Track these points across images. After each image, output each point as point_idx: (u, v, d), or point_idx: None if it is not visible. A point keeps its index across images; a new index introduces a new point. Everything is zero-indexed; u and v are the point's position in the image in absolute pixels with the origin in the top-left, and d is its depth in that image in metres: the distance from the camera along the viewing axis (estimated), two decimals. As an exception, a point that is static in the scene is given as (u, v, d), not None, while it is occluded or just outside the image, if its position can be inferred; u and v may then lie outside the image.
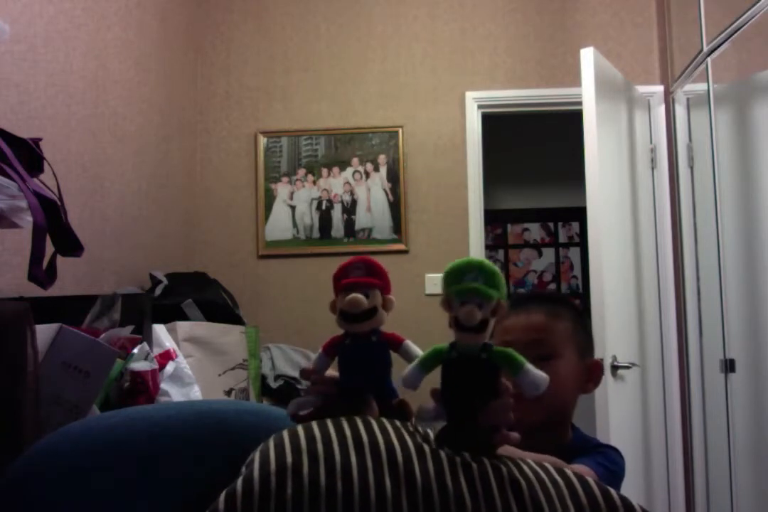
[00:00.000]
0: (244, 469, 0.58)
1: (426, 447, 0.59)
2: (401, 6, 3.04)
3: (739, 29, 2.09)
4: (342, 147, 2.99)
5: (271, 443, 0.60)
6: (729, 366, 2.31)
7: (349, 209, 2.96)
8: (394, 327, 0.68)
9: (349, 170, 2.98)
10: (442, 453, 0.58)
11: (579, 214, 4.15)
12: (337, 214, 2.97)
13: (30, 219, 1.04)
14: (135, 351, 1.38)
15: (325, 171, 2.99)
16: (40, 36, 1.75)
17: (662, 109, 2.87)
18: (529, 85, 2.98)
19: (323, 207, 2.97)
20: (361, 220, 2.95)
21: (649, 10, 2.98)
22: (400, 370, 0.70)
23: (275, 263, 2.98)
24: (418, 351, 0.67)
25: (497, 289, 0.59)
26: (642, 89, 2.85)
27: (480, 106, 2.98)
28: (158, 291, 2.17)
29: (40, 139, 1.22)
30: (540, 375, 0.58)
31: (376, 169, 2.97)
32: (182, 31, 2.89)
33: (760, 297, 2.47)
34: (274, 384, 2.39)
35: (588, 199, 2.27)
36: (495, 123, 3.34)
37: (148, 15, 2.49)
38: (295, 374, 2.44)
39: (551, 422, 0.96)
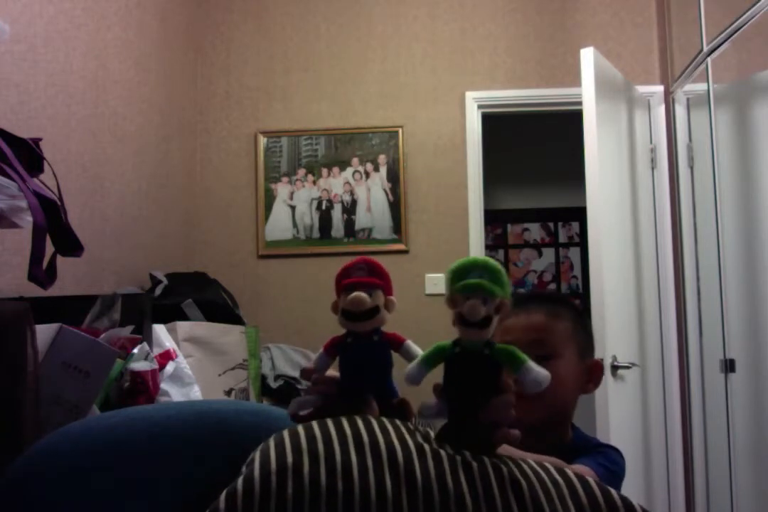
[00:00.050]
0: (244, 469, 0.58)
1: (426, 447, 0.59)
2: (401, 6, 3.04)
3: (739, 29, 2.09)
4: (342, 147, 2.99)
5: (272, 442, 0.60)
6: (729, 366, 2.31)
7: (349, 209, 2.96)
8: (395, 327, 0.68)
9: (349, 170, 2.98)
10: (443, 453, 0.58)
11: (579, 214, 4.15)
12: (337, 214, 2.97)
13: (30, 219, 1.04)
14: (135, 351, 1.38)
15: (325, 171, 2.99)
16: (40, 36, 1.75)
17: (662, 109, 2.87)
18: (529, 85, 2.98)
19: (323, 207, 2.97)
20: (361, 220, 2.95)
21: (649, 10, 2.98)
22: (401, 370, 0.70)
23: (275, 263, 2.98)
24: (419, 352, 0.67)
25: (501, 287, 0.59)
26: (642, 89, 2.85)
27: (480, 106, 2.98)
28: (158, 291, 2.17)
29: (40, 139, 1.22)
30: (542, 372, 0.58)
31: (376, 169, 2.97)
32: (182, 31, 2.89)
33: (760, 297, 2.47)
34: (274, 384, 2.39)
35: (588, 199, 2.27)
36: (495, 123, 3.34)
37: (148, 15, 2.49)
38: (295, 374, 2.44)
39: (551, 422, 0.96)
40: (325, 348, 0.69)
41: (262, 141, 3.02)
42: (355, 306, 0.64)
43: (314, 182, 2.99)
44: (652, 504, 2.52)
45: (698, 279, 2.66)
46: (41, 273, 1.05)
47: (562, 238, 4.40)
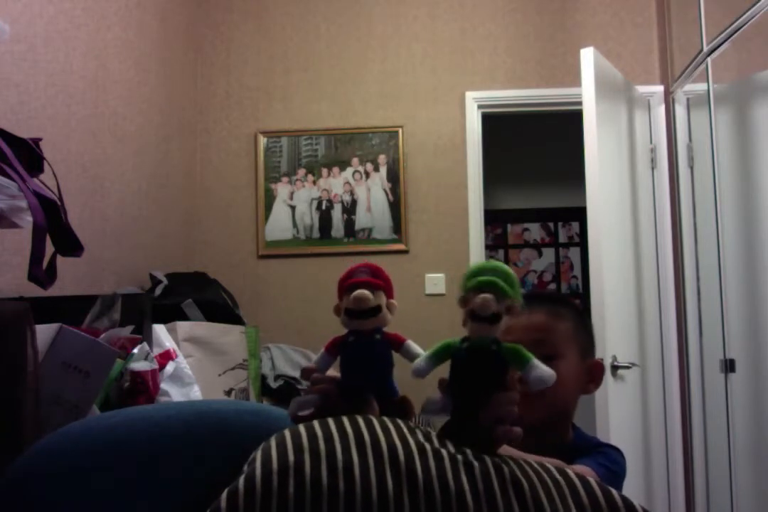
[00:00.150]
0: (246, 468, 0.58)
1: (428, 446, 0.59)
2: (401, 6, 3.04)
3: (739, 29, 2.09)
4: (342, 147, 2.99)
5: (273, 442, 0.60)
6: (729, 366, 2.31)
7: (349, 209, 2.96)
8: (395, 327, 0.68)
9: (349, 170, 2.98)
10: (444, 452, 0.58)
11: (579, 214, 4.15)
12: (337, 214, 2.97)
13: (30, 219, 1.04)
14: (135, 351, 1.38)
15: (325, 171, 2.99)
16: (40, 36, 1.75)
17: (662, 109, 2.87)
18: (529, 85, 2.98)
19: (323, 207, 2.97)
20: (361, 220, 2.95)
21: (649, 10, 2.98)
22: (402, 370, 0.70)
23: (275, 263, 2.98)
24: (420, 351, 0.67)
25: (514, 288, 0.61)
26: (642, 89, 2.85)
27: (480, 106, 2.98)
28: (158, 291, 2.17)
29: (40, 139, 1.22)
30: (546, 370, 0.59)
31: (376, 169, 2.97)
32: (182, 31, 2.89)
33: (760, 297, 2.47)
34: (274, 384, 2.39)
35: (588, 199, 2.27)
36: (495, 123, 3.34)
37: (148, 15, 2.49)
38: (295, 374, 2.44)
39: (552, 422, 0.96)
40: (327, 348, 0.69)
41: (262, 141, 3.01)
42: (359, 303, 0.65)
43: (314, 182, 2.99)
44: (652, 504, 2.52)
45: (698, 279, 2.66)
46: (41, 273, 1.05)
47: (562, 238, 4.40)
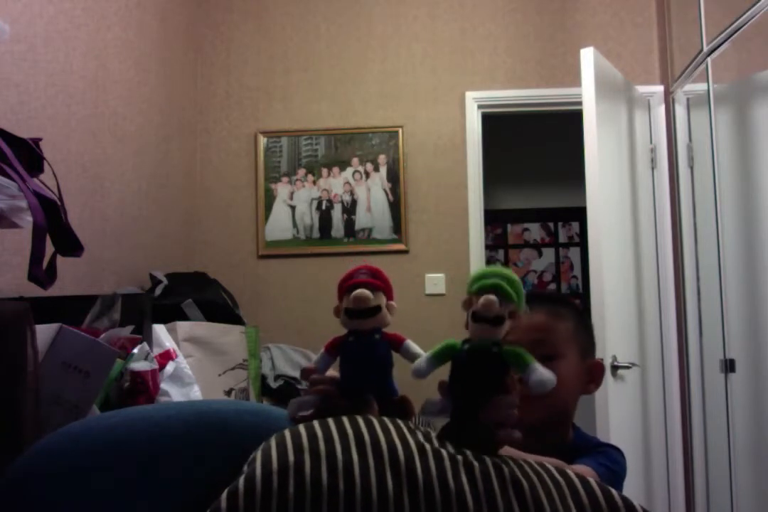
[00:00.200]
0: (246, 468, 0.58)
1: (428, 446, 0.59)
2: (401, 6, 3.04)
3: (739, 29, 2.09)
4: (342, 147, 2.99)
5: (273, 442, 0.60)
6: (729, 366, 2.31)
7: (349, 209, 2.96)
8: (395, 327, 0.68)
9: (349, 170, 2.98)
10: (444, 453, 0.58)
11: (579, 214, 4.15)
12: (337, 214, 2.97)
13: (30, 219, 1.04)
14: (135, 351, 1.38)
15: (325, 171, 2.99)
16: (40, 36, 1.75)
17: (662, 109, 2.87)
18: (529, 85, 2.98)
19: (323, 207, 2.97)
20: (361, 220, 2.95)
21: (649, 10, 2.98)
22: (402, 371, 0.70)
23: (275, 263, 2.98)
24: (419, 351, 0.67)
25: (518, 295, 0.61)
26: (642, 89, 2.85)
27: (480, 106, 2.98)
28: (158, 291, 2.17)
29: (40, 139, 1.22)
30: (546, 373, 0.59)
31: (376, 169, 2.97)
32: (182, 31, 2.89)
33: (760, 297, 2.47)
34: (274, 384, 2.39)
35: (588, 199, 2.27)
36: (495, 123, 3.34)
37: (148, 15, 2.49)
38: (295, 374, 2.44)
39: (552, 422, 0.96)
40: (326, 348, 0.70)
41: (262, 141, 3.01)
42: (358, 303, 0.66)
43: (314, 182, 2.99)
44: (652, 504, 2.51)
45: (698, 279, 2.66)
46: (41, 273, 1.05)
47: (562, 238, 4.40)
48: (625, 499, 0.57)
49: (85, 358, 1.24)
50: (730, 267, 2.45)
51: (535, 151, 4.28)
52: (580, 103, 2.31)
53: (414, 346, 0.68)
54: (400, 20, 3.04)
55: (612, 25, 2.98)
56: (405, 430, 0.61)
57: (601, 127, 2.30)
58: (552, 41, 2.99)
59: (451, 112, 2.99)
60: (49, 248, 1.08)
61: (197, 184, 3.03)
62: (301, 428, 0.61)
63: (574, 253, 4.37)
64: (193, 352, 1.87)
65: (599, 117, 2.28)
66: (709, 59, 2.31)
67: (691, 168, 2.74)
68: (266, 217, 2.98)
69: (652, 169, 2.83)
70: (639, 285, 2.61)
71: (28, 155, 1.15)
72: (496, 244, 4.42)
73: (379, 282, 0.68)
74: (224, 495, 0.55)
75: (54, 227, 1.08)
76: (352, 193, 2.97)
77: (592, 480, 0.59)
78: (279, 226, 2.97)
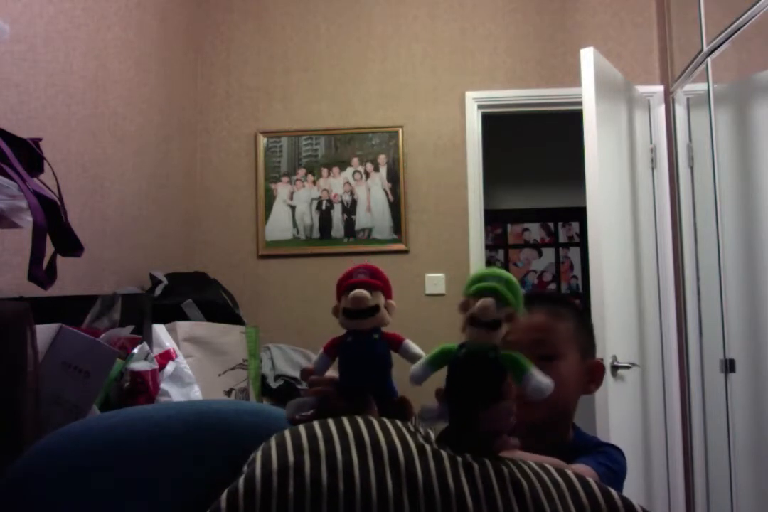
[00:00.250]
0: (246, 468, 0.58)
1: (428, 447, 0.59)
2: (401, 6, 3.04)
3: (739, 29, 2.08)
4: (342, 147, 2.99)
5: (273, 442, 0.60)
6: (729, 366, 2.31)
7: (349, 209, 2.96)
8: (394, 327, 0.68)
9: (349, 170, 2.98)
10: (444, 453, 0.58)
11: (579, 214, 4.15)
12: (337, 214, 2.97)
13: (30, 219, 1.04)
14: (135, 351, 1.38)
15: (325, 171, 2.99)
16: (40, 36, 1.75)
17: (662, 109, 2.87)
18: (529, 85, 2.98)
19: (323, 207, 2.97)
20: (361, 220, 2.95)
21: (649, 10, 2.98)
22: (401, 371, 0.70)
23: (275, 263, 2.98)
24: (419, 351, 0.67)
25: (515, 298, 0.60)
26: (642, 89, 2.85)
27: (480, 106, 2.98)
28: (158, 291, 2.17)
29: (40, 139, 1.22)
30: (544, 380, 0.58)
31: (376, 169, 2.97)
32: (182, 31, 2.89)
33: (760, 297, 2.47)
34: (274, 384, 2.39)
35: (588, 199, 2.27)
36: (495, 123, 3.34)
37: (148, 15, 2.49)
38: (295, 374, 2.44)
39: (552, 422, 0.96)
40: (325, 349, 0.70)
41: (262, 141, 3.02)
42: (356, 303, 0.65)
43: (314, 182, 2.99)
44: (652, 504, 2.51)
45: (698, 279, 2.66)
46: (41, 273, 1.05)
47: (562, 238, 4.40)
48: (624, 499, 0.57)
49: (85, 358, 1.24)
50: (730, 267, 2.45)
51: (535, 151, 4.28)
52: (580, 103, 2.31)
53: (413, 346, 0.68)
54: (400, 20, 3.04)
55: (612, 25, 2.98)
56: (405, 431, 0.61)
57: (601, 127, 2.30)
58: (552, 41, 2.99)
59: (451, 112, 2.99)
60: (49, 248, 1.08)
61: (197, 184, 3.03)
62: (301, 428, 0.61)
63: (574, 253, 4.37)
64: (193, 352, 1.87)
65: (599, 117, 2.28)
66: (709, 59, 2.31)
67: (691, 168, 2.74)
68: (266, 217, 2.98)
69: (652, 169, 2.83)
70: (639, 285, 2.61)
71: (28, 155, 1.15)
72: (496, 244, 4.42)
73: (377, 282, 0.68)
74: (224, 495, 0.55)
75: (54, 227, 1.08)
76: (352, 193, 2.97)
77: (591, 481, 0.59)
78: (279, 226, 2.97)
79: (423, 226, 2.94)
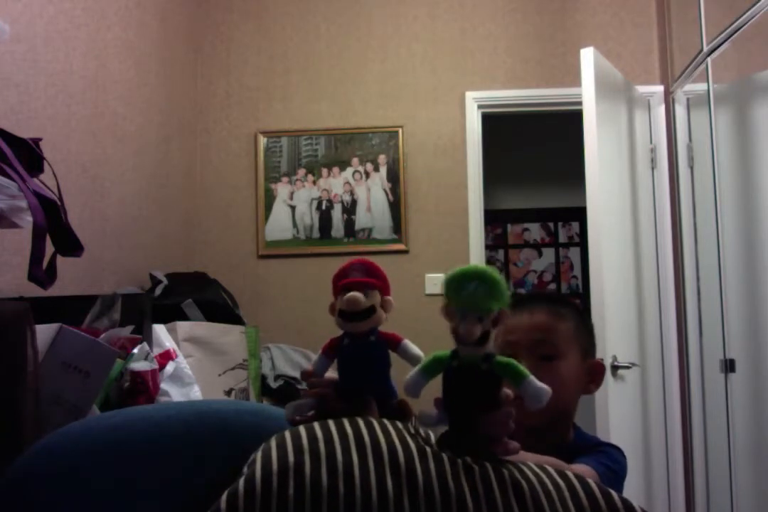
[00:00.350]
0: (246, 469, 0.58)
1: (428, 449, 0.59)
2: (401, 6, 3.04)
3: (739, 29, 2.08)
4: (342, 147, 2.99)
5: (273, 443, 0.60)
6: (729, 366, 2.31)
7: (349, 209, 2.96)
8: (394, 327, 0.68)
9: (349, 170, 2.98)
10: (444, 455, 0.58)
11: (579, 214, 4.15)
12: (337, 214, 2.97)
13: (30, 219, 1.04)
14: (135, 351, 1.38)
15: (325, 171, 2.99)
16: (40, 36, 1.75)
17: (662, 109, 2.87)
18: (529, 85, 2.98)
19: (323, 207, 2.97)
20: (361, 220, 2.95)
21: (649, 10, 2.98)
22: (400, 370, 0.70)
23: (275, 263, 2.98)
24: (417, 351, 0.67)
25: (498, 299, 0.58)
26: (642, 89, 2.85)
27: (480, 106, 2.98)
28: (158, 291, 2.17)
29: (40, 139, 1.22)
30: (542, 387, 0.58)
31: (376, 169, 2.97)
32: (182, 31, 2.89)
33: (760, 297, 2.47)
34: (274, 384, 2.39)
35: (588, 199, 2.27)
36: (495, 123, 3.34)
37: (148, 15, 2.49)
38: (295, 374, 2.44)
39: (553, 422, 0.96)
40: (324, 350, 0.69)
41: (262, 141, 3.01)
42: (351, 306, 0.64)
43: (314, 182, 2.99)
44: (652, 504, 2.52)
45: (698, 279, 2.66)
46: (41, 273, 1.05)
47: (562, 238, 4.40)
48: (624, 501, 0.57)
49: (85, 358, 1.24)
50: (730, 267, 2.45)
51: (535, 151, 4.28)
52: (580, 103, 2.31)
53: (411, 346, 0.67)
54: (400, 20, 3.04)
55: (612, 25, 2.98)
56: (405, 433, 0.61)
57: (601, 127, 2.30)
58: (552, 41, 2.99)
59: (451, 112, 2.98)
60: (49, 248, 1.08)
61: (197, 184, 3.03)
62: (302, 429, 0.61)
63: (574, 253, 4.37)
64: (193, 352, 1.87)
65: (599, 117, 2.28)
66: (709, 59, 2.31)
67: (691, 168, 2.74)
68: (266, 217, 2.98)
69: (652, 169, 2.83)
70: (639, 285, 2.61)
71: (28, 155, 1.15)
72: (496, 244, 4.42)
73: (372, 280, 0.66)
74: (224, 496, 0.55)
75: (54, 227, 1.08)
76: (352, 193, 2.97)
77: (591, 482, 0.59)
78: (279, 226, 2.97)
79: (423, 226, 2.94)
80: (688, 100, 2.78)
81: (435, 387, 0.63)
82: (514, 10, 3.01)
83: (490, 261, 4.29)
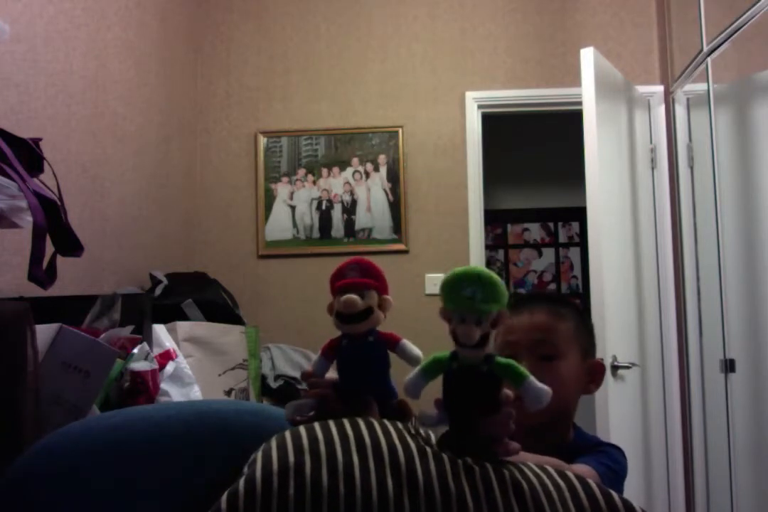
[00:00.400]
0: (246, 469, 0.58)
1: (428, 449, 0.59)
2: (401, 6, 3.04)
3: (739, 29, 2.08)
4: (342, 147, 2.99)
5: (274, 443, 0.60)
6: (729, 366, 2.31)
7: (349, 209, 2.96)
8: (394, 327, 0.68)
9: (349, 170, 2.98)
10: (444, 456, 0.58)
11: (579, 214, 4.15)
12: (337, 214, 2.97)
13: (30, 219, 1.04)
14: (135, 351, 1.38)
15: (325, 171, 2.99)
16: (40, 36, 1.75)
17: (662, 109, 2.87)
18: (529, 85, 2.98)
19: (323, 207, 2.97)
20: (361, 220, 2.95)
21: (649, 10, 2.98)
22: (400, 370, 0.70)
23: (275, 263, 2.98)
24: (416, 351, 0.67)
25: (497, 301, 0.58)
26: (642, 89, 2.85)
27: (480, 106, 2.98)
28: (158, 291, 2.17)
29: (40, 139, 1.22)
30: (543, 388, 0.58)
31: (376, 169, 2.97)
32: (182, 31, 2.89)
33: (760, 297, 2.47)
34: (274, 384, 2.39)
35: (588, 199, 2.26)
36: (495, 123, 3.34)
37: (148, 15, 2.49)
38: (295, 374, 2.44)
39: (553, 422, 0.96)
40: (323, 351, 0.69)
41: (262, 141, 3.01)
42: (347, 308, 0.64)
43: (314, 182, 2.99)
44: (652, 504, 2.51)
45: (698, 279, 2.66)
46: (41, 273, 1.05)
47: (562, 238, 4.40)
48: (625, 501, 0.57)
49: (85, 358, 1.24)
50: (730, 267, 2.45)
51: (535, 151, 4.28)
52: (580, 103, 2.31)
53: (410, 346, 0.67)
54: (400, 20, 3.04)
55: (612, 25, 2.98)
56: (406, 433, 0.61)
57: (601, 127, 2.30)
58: (552, 41, 2.99)
59: (451, 112, 2.98)
60: (49, 248, 1.08)
61: (197, 184, 3.03)
62: (302, 429, 0.61)
63: (574, 253, 4.37)
64: (193, 352, 1.87)
65: (599, 117, 2.28)
66: (709, 59, 2.31)
67: (691, 168, 2.74)
68: (266, 217, 2.98)
69: (652, 169, 2.83)
70: (639, 285, 2.61)
71: (28, 155, 1.15)
72: (496, 244, 4.42)
73: (369, 281, 0.66)
74: (224, 496, 0.55)
75: (54, 227, 1.08)
76: (352, 193, 2.97)
77: (592, 483, 0.59)
78: (279, 226, 2.97)
79: (423, 226, 2.94)
80: (688, 100, 2.78)
81: (435, 387, 0.63)
82: (514, 10, 3.01)
83: (490, 261, 4.29)
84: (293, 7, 3.08)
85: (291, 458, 0.57)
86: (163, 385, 1.44)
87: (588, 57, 2.30)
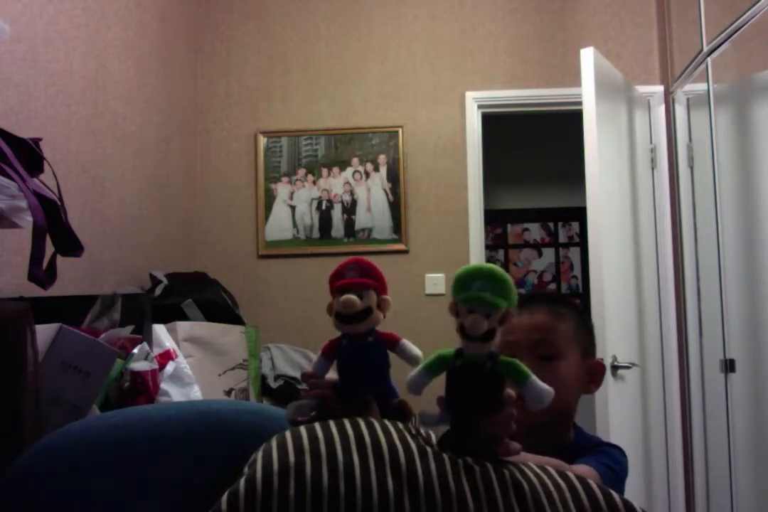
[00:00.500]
0: (246, 469, 0.58)
1: (428, 449, 0.59)
2: (401, 6, 3.04)
3: (739, 29, 2.08)
4: (342, 147, 2.99)
5: (274, 443, 0.60)
6: (729, 366, 2.31)
7: (349, 209, 2.96)
8: (394, 327, 0.68)
9: (349, 170, 2.98)
10: (445, 455, 0.58)
11: (579, 214, 4.15)
12: (337, 214, 2.97)
13: (30, 219, 1.04)
14: (135, 351, 1.38)
15: (325, 171, 2.99)
16: (40, 36, 1.75)
17: (662, 109, 2.87)
18: (529, 85, 2.98)
19: (323, 207, 2.97)
20: (361, 220, 2.95)
21: (649, 10, 2.98)
22: (400, 370, 0.70)
23: (275, 263, 2.98)
24: (415, 350, 0.67)
25: (506, 298, 0.58)
26: (642, 89, 2.85)
27: (480, 106, 2.98)
28: (158, 291, 2.17)
29: (40, 139, 1.22)
30: (544, 388, 0.58)
31: (376, 169, 2.97)
32: (182, 31, 2.89)
33: (760, 297, 2.47)
34: (274, 384, 2.39)
35: (588, 199, 2.26)
36: (495, 123, 3.34)
37: (148, 15, 2.49)
38: (295, 374, 2.44)
39: (553, 422, 0.96)
40: (323, 352, 0.69)
41: (262, 141, 3.01)
42: (346, 308, 0.64)
43: (314, 182, 2.99)
44: (652, 504, 2.51)
45: (698, 279, 2.66)
46: (41, 273, 1.05)
47: (562, 238, 4.40)
48: (626, 502, 0.57)
49: (85, 358, 1.24)
50: (730, 267, 2.45)
51: (535, 151, 4.28)
52: (580, 103, 2.31)
53: (409, 346, 0.67)
54: (400, 20, 3.04)
55: (612, 25, 2.98)
56: (406, 433, 0.61)
57: (601, 127, 2.30)
58: (552, 41, 2.99)
59: (451, 112, 2.98)
60: (49, 248, 1.08)
61: (197, 184, 3.03)
62: (302, 429, 0.61)
63: (574, 253, 4.37)
64: (193, 352, 1.87)
65: (599, 117, 2.28)
66: (709, 59, 2.31)
67: (691, 168, 2.74)
68: (266, 217, 2.98)
69: (652, 169, 2.83)
70: (639, 285, 2.61)
71: (28, 155, 1.15)
72: (496, 244, 4.42)
73: (368, 281, 0.66)
74: (225, 496, 0.55)
75: (54, 227, 1.08)
76: (352, 193, 2.97)
77: (593, 483, 0.59)
78: (279, 226, 2.97)
79: (423, 226, 2.94)
80: (688, 100, 2.78)
81: (436, 386, 0.63)
82: (514, 10, 3.01)
83: (489, 261, 4.29)
84: (293, 7, 3.08)
85: (291, 458, 0.57)
86: (163, 385, 1.44)
87: (588, 57, 2.30)
